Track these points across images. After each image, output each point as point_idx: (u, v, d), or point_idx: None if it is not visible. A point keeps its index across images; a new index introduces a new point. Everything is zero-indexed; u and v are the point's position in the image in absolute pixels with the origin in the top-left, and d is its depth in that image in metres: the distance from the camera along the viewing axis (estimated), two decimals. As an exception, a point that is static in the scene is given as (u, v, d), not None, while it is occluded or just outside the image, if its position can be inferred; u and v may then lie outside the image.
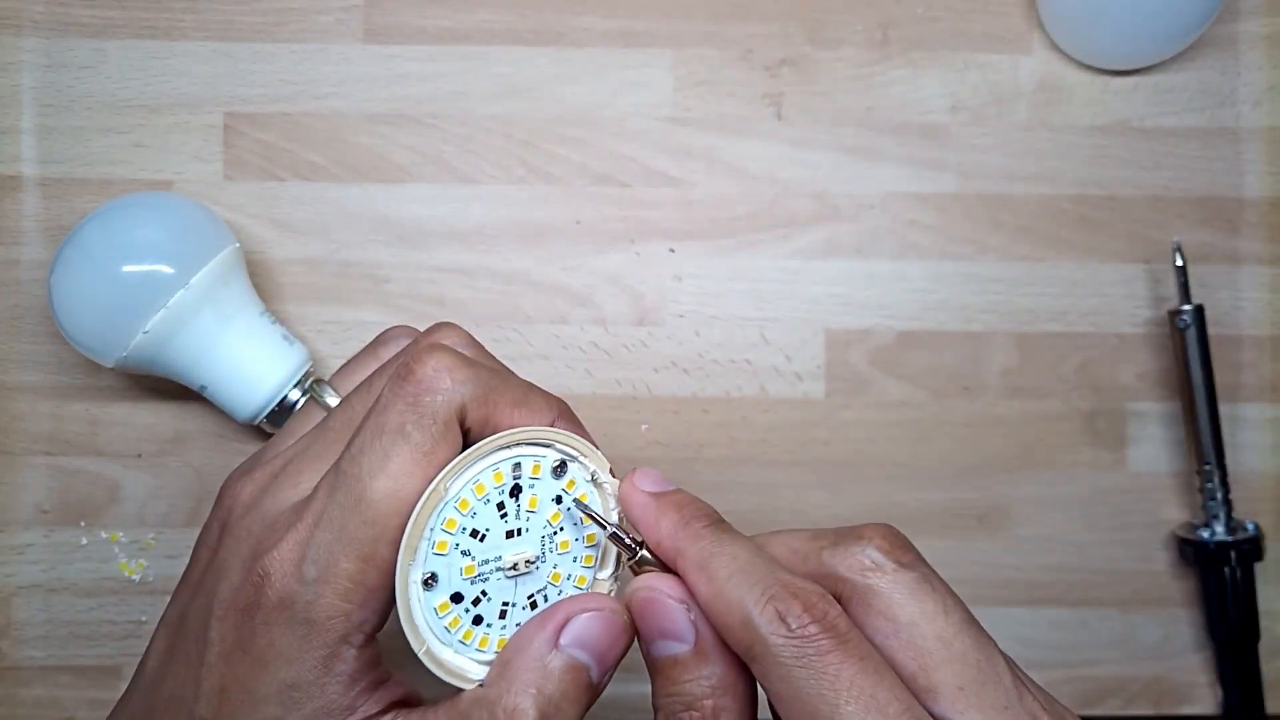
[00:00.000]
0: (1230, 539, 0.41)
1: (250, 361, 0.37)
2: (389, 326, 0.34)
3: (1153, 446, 0.43)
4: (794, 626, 0.21)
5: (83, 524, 0.41)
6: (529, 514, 0.25)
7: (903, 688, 0.21)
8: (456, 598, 0.24)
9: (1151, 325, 0.43)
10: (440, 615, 0.24)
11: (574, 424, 0.27)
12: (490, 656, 0.25)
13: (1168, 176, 0.43)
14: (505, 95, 0.43)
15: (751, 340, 0.43)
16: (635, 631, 0.24)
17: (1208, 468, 0.41)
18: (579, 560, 0.26)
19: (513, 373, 0.27)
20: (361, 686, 0.24)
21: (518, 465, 0.25)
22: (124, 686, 0.28)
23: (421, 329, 0.41)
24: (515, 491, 0.25)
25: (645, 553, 0.25)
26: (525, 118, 0.43)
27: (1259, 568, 0.42)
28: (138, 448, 0.41)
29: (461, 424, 0.24)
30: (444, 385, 0.24)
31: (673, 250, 0.43)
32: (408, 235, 0.42)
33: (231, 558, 0.24)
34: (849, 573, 0.23)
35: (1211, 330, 0.41)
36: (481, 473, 0.24)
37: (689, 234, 0.43)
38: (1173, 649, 0.43)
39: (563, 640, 0.24)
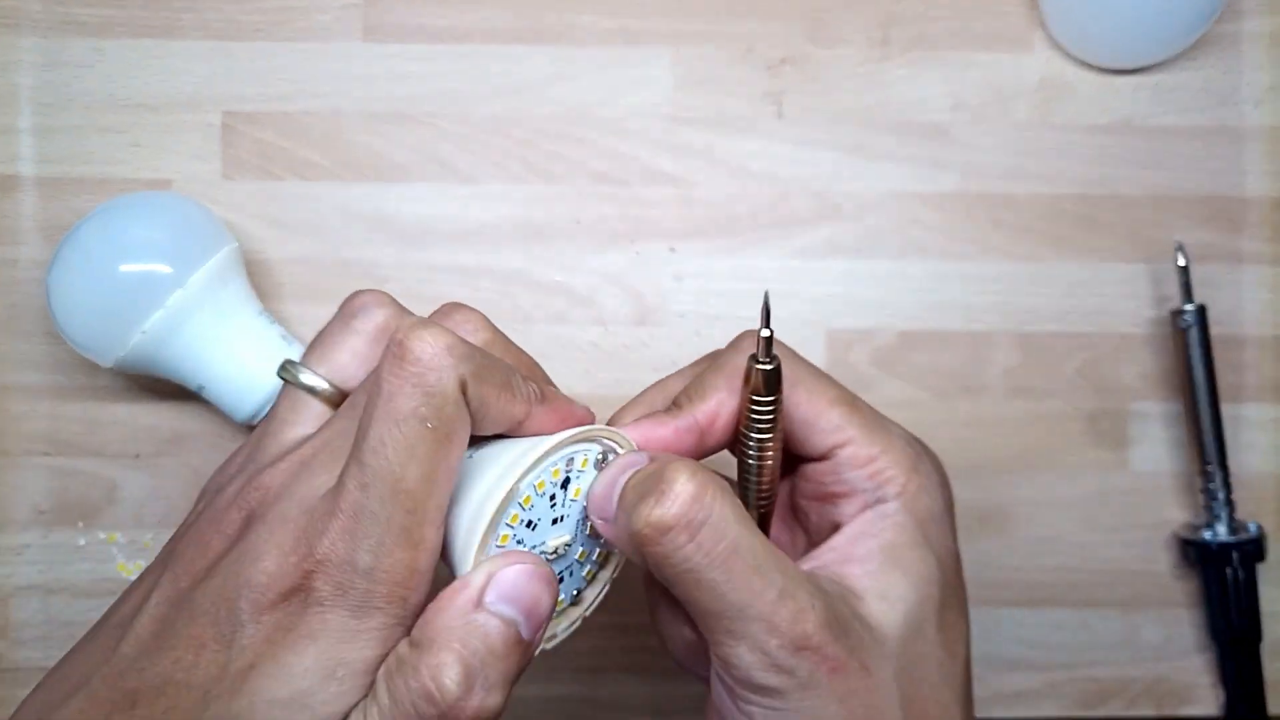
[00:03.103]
0: (1232, 540, 0.41)
1: (248, 361, 0.37)
2: (354, 292, 0.31)
3: (1155, 447, 0.43)
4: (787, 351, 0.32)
5: (81, 524, 0.41)
6: (572, 503, 0.27)
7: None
8: None
9: (1154, 325, 0.43)
10: None
11: (568, 407, 0.28)
12: None
13: (1170, 176, 0.43)
14: (505, 94, 0.42)
15: (752, 340, 0.42)
16: (557, 589, 0.26)
17: (1210, 468, 0.41)
18: (600, 539, 0.28)
19: (510, 348, 0.29)
20: None
21: (571, 460, 0.26)
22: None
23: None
24: (565, 484, 0.26)
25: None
26: (525, 117, 0.42)
27: (1261, 568, 0.41)
28: (136, 448, 0.41)
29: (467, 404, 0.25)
30: (445, 363, 0.24)
31: (673, 250, 0.43)
32: (407, 235, 0.42)
33: (265, 543, 0.24)
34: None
35: (1214, 330, 0.41)
36: (543, 471, 0.25)
37: (689, 234, 0.42)
38: (1175, 650, 0.43)
39: (487, 597, 0.24)
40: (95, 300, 0.36)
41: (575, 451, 0.26)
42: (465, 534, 0.25)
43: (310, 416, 0.29)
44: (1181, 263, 0.41)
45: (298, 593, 0.23)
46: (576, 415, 0.28)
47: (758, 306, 0.42)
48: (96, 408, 0.41)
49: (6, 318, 0.41)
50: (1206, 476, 0.41)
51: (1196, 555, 0.41)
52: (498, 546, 0.25)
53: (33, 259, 0.41)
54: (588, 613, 0.28)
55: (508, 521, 0.25)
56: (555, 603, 0.25)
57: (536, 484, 0.25)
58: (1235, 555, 0.41)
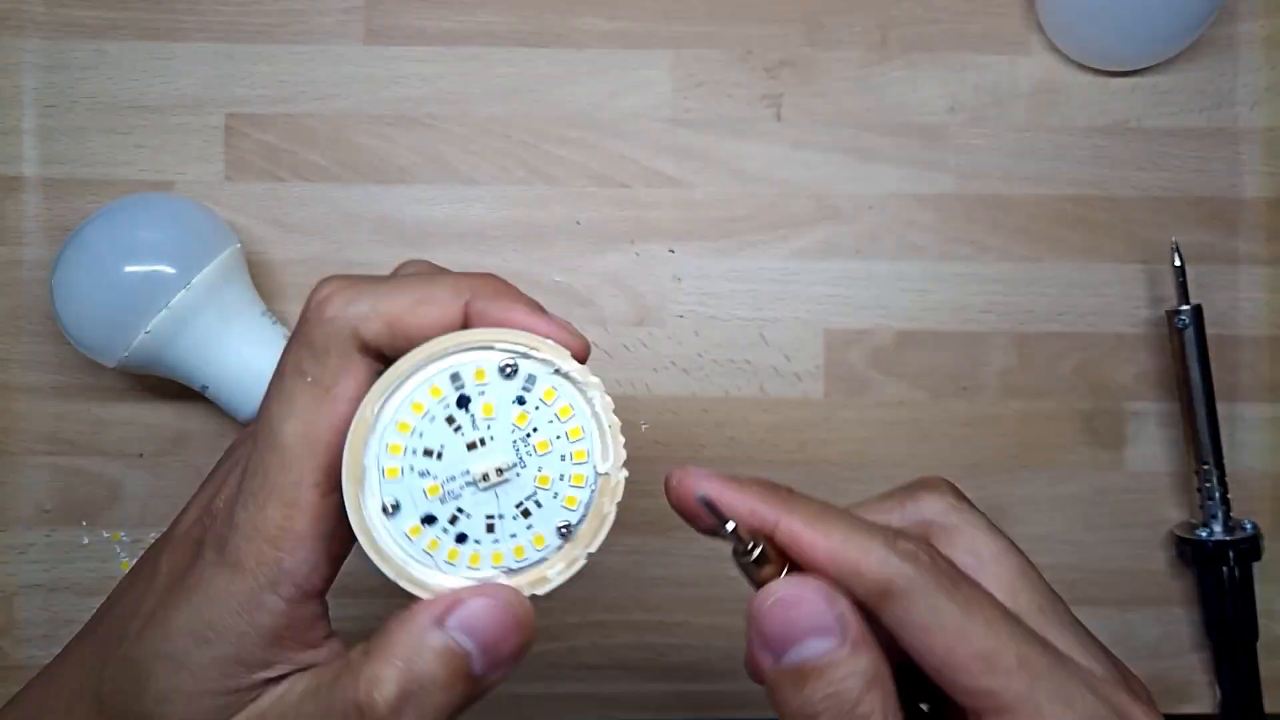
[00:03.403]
0: (1228, 538, 0.41)
1: (251, 361, 0.37)
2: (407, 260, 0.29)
3: (1151, 446, 0.43)
4: (926, 561, 0.22)
5: (84, 524, 0.41)
6: (488, 421, 0.24)
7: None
8: (429, 520, 0.23)
9: (1150, 325, 0.43)
10: (414, 539, 0.23)
11: (506, 301, 0.25)
12: (488, 572, 0.24)
13: (1166, 177, 0.43)
14: (505, 96, 0.43)
15: (751, 340, 0.43)
16: (531, 632, 0.23)
17: (1206, 467, 0.41)
18: (568, 458, 0.24)
19: (413, 276, 0.25)
20: (285, 644, 0.23)
21: (455, 375, 0.23)
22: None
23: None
24: (463, 402, 0.23)
25: (765, 547, 0.23)
26: (525, 118, 0.43)
27: (1257, 567, 0.42)
28: (139, 447, 0.42)
29: (370, 347, 0.23)
30: (327, 314, 0.23)
31: (673, 251, 0.43)
32: (408, 235, 0.42)
33: (198, 497, 0.26)
34: (933, 515, 0.25)
35: (1209, 330, 0.41)
36: (414, 391, 0.23)
37: (689, 234, 0.43)
38: (1171, 648, 0.43)
39: (449, 621, 0.22)
40: (99, 301, 0.36)
41: (457, 366, 0.23)
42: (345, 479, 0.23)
43: None
44: (1177, 263, 0.41)
45: (197, 546, 0.24)
46: (441, 304, 0.24)
47: (757, 306, 0.43)
48: (100, 407, 0.41)
49: (11, 318, 0.41)
50: (1202, 476, 0.41)
51: (1192, 554, 0.41)
52: (388, 481, 0.23)
53: (37, 260, 0.41)
54: (592, 550, 0.24)
55: (388, 452, 0.23)
56: (524, 645, 0.23)
57: (412, 406, 0.23)
58: (1231, 554, 0.41)
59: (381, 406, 0.23)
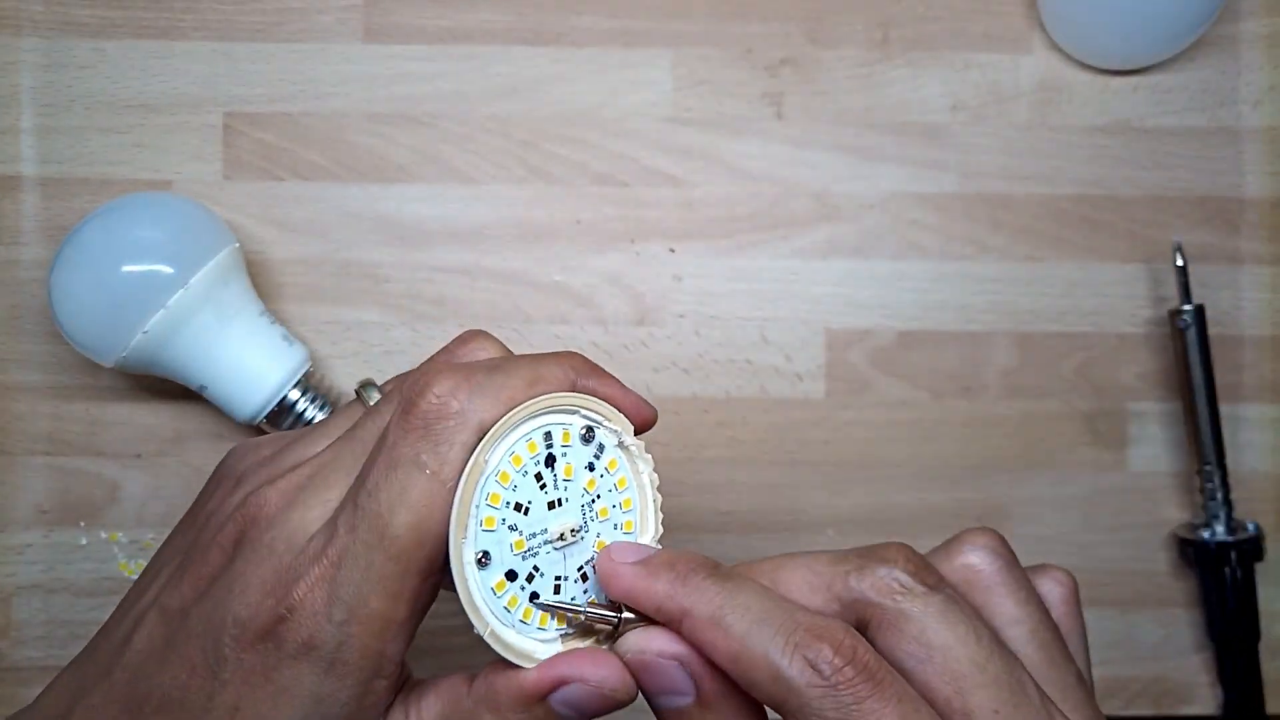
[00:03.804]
0: (1230, 539, 0.41)
1: (250, 362, 0.37)
2: (468, 330, 0.29)
3: (1153, 446, 0.43)
4: (827, 674, 0.20)
5: (82, 524, 0.41)
6: (566, 483, 0.25)
7: None
8: (511, 575, 0.24)
9: (1152, 325, 0.43)
10: (498, 595, 0.24)
11: (598, 376, 0.26)
12: (551, 635, 0.24)
13: (1168, 176, 0.43)
14: (505, 95, 0.43)
15: (751, 340, 0.43)
16: (635, 690, 0.24)
17: (1208, 468, 0.41)
18: (619, 527, 0.26)
19: (520, 358, 0.26)
20: (390, 702, 0.24)
21: (548, 434, 0.24)
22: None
23: (427, 329, 0.42)
24: (550, 461, 0.24)
25: (628, 615, 0.24)
26: (525, 118, 0.43)
27: (1259, 568, 0.42)
28: (137, 448, 0.41)
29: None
30: (453, 409, 0.23)
31: (673, 250, 0.43)
32: (408, 235, 0.42)
33: (251, 574, 0.24)
34: (878, 596, 0.23)
35: (1212, 330, 0.41)
36: (516, 444, 0.24)
37: (689, 234, 0.43)
38: (1173, 649, 0.43)
39: (554, 697, 0.23)
40: (97, 300, 0.36)
41: (551, 425, 0.24)
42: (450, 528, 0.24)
43: None
44: (1180, 263, 0.41)
45: (271, 635, 0.23)
46: (553, 381, 0.25)
47: (758, 306, 0.43)
48: (98, 408, 0.41)
49: (8, 318, 0.41)
50: (1204, 476, 0.41)
51: (1195, 555, 0.41)
52: (484, 531, 0.23)
53: (35, 259, 0.41)
54: (628, 615, 0.25)
55: (488, 502, 0.23)
56: (622, 704, 0.24)
57: (512, 459, 0.24)
58: (1233, 555, 0.41)
59: (490, 453, 0.23)
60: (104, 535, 0.41)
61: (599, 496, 0.25)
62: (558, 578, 0.25)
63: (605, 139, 0.43)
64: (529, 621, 0.24)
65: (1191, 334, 0.41)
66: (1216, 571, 0.41)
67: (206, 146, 0.42)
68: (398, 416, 0.23)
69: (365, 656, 0.23)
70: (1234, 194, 0.43)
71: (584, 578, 0.25)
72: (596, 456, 0.25)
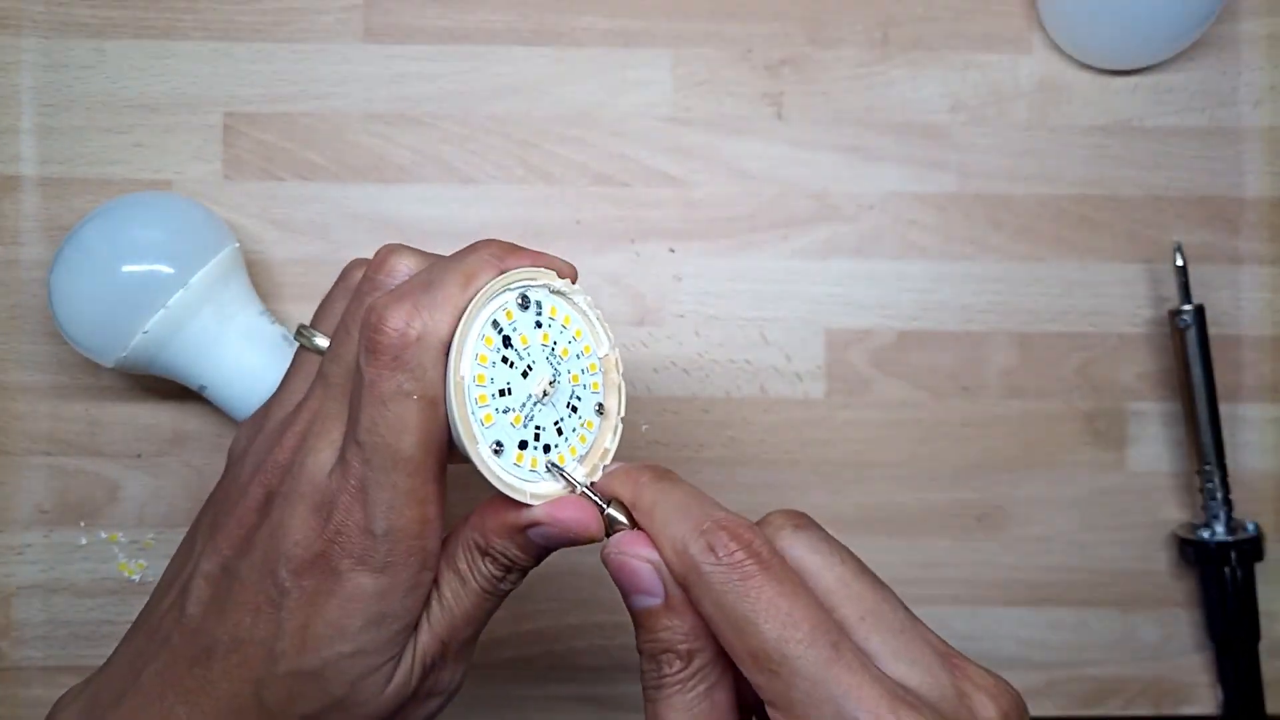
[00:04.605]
0: (1230, 539, 0.41)
1: (250, 361, 0.37)
2: (350, 260, 0.35)
3: (1153, 446, 0.43)
4: (721, 554, 0.24)
5: (82, 524, 0.41)
6: (526, 350, 0.28)
7: (817, 606, 0.24)
8: (523, 445, 0.27)
9: (1152, 325, 0.43)
10: (520, 466, 0.27)
11: (515, 253, 0.28)
12: (574, 463, 0.28)
13: (1168, 176, 0.43)
14: (505, 95, 0.43)
15: (751, 340, 0.43)
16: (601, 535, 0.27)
17: (1208, 468, 0.41)
18: (581, 355, 0.29)
19: (446, 263, 0.28)
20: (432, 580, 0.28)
21: (495, 323, 0.27)
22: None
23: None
24: (507, 341, 0.27)
25: (611, 511, 0.27)
26: (525, 118, 0.43)
27: (1259, 568, 0.42)
28: (137, 448, 0.41)
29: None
30: (413, 336, 0.25)
31: (673, 250, 0.43)
32: (408, 235, 0.42)
33: (288, 518, 0.27)
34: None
35: (1212, 330, 0.41)
36: (477, 346, 0.27)
37: (689, 234, 0.43)
38: (1173, 649, 0.43)
39: (534, 531, 0.27)
40: (97, 300, 0.36)
41: (495, 313, 0.27)
42: (459, 434, 0.26)
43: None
44: (1179, 263, 0.41)
45: (323, 558, 0.26)
46: (481, 273, 0.27)
47: (758, 306, 0.43)
48: (98, 408, 0.41)
49: (8, 318, 0.41)
50: (1204, 476, 0.41)
51: (1194, 555, 0.41)
52: (486, 428, 0.27)
53: (34, 259, 0.41)
54: (622, 415, 0.29)
55: (479, 404, 0.26)
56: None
57: (479, 358, 0.26)
58: (1233, 554, 0.41)
59: (462, 364, 0.26)
60: (104, 535, 0.41)
61: (555, 343, 0.28)
62: (556, 422, 0.28)
63: (605, 139, 0.43)
64: (520, 465, 0.28)
65: (1191, 334, 0.41)
66: (1216, 571, 0.41)
67: (206, 146, 0.42)
68: (367, 357, 0.26)
69: (411, 553, 0.26)
70: (1234, 194, 0.43)
71: (573, 410, 0.29)
72: (539, 313, 0.28)
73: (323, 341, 0.32)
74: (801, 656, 0.23)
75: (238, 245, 0.39)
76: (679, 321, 0.43)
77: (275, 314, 0.40)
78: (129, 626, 0.31)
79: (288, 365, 0.38)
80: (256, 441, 0.31)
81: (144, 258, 0.36)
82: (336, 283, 0.34)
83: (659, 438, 0.42)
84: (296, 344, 0.37)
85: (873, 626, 0.24)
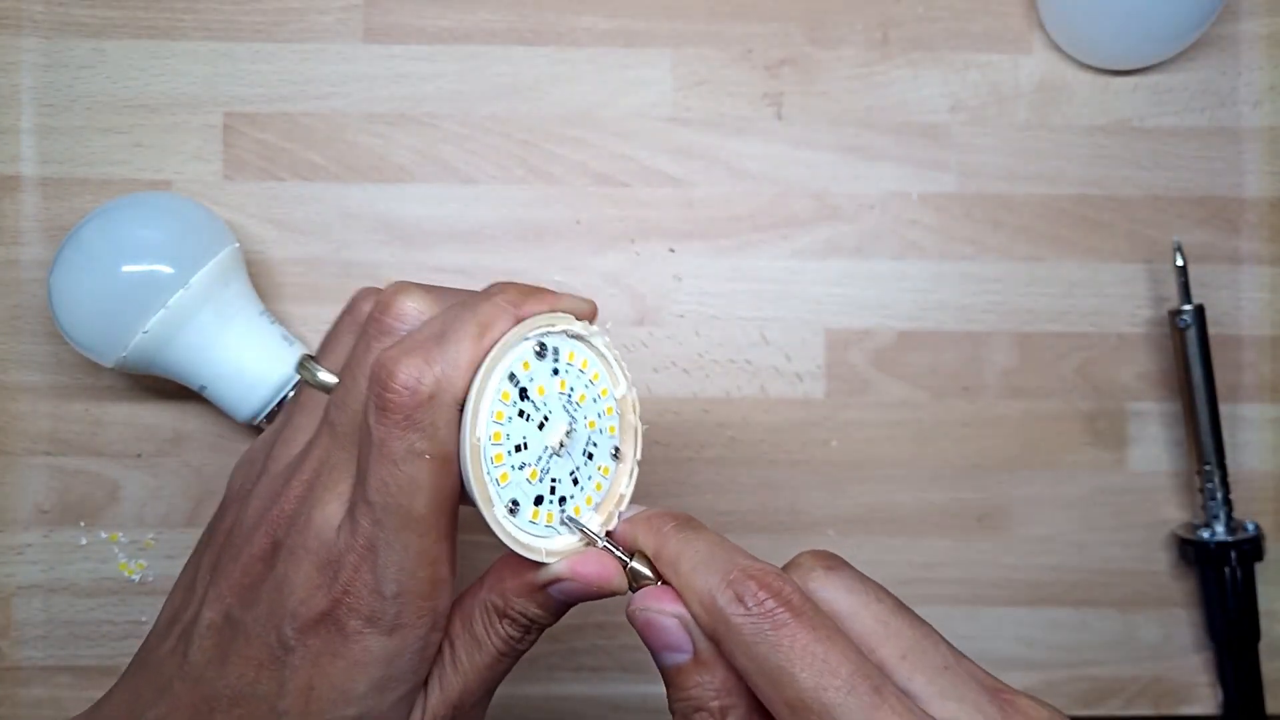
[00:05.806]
0: (1230, 539, 0.41)
1: (250, 362, 0.37)
2: (358, 290, 0.32)
3: (1153, 446, 0.43)
4: (750, 604, 0.23)
5: (82, 524, 0.41)
6: (543, 400, 0.27)
7: (855, 650, 0.23)
8: (538, 500, 0.26)
9: (1152, 325, 0.43)
10: (535, 523, 0.26)
11: (533, 297, 0.27)
12: (589, 512, 0.28)
13: (1168, 176, 0.43)
14: (505, 95, 0.43)
15: (751, 340, 0.43)
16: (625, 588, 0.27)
17: (1208, 468, 0.41)
18: (598, 399, 0.28)
19: (459, 312, 0.26)
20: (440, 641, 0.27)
21: (512, 375, 0.26)
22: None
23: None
24: (524, 394, 0.26)
25: (635, 565, 0.26)
26: (525, 118, 0.43)
27: (1259, 568, 0.42)
28: (137, 448, 0.41)
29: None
30: (425, 393, 0.24)
31: (673, 250, 0.43)
32: (408, 235, 0.42)
33: (295, 573, 0.26)
34: (798, 577, 0.25)
35: (1212, 330, 0.41)
36: (493, 404, 0.25)
37: (689, 234, 0.43)
38: (1173, 649, 0.43)
39: (554, 588, 0.27)
40: (97, 300, 0.36)
41: (511, 366, 0.26)
42: (474, 497, 0.26)
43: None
44: (1179, 263, 0.41)
45: (330, 617, 0.25)
46: (497, 324, 0.26)
47: (758, 306, 0.43)
48: (98, 408, 0.41)
49: (9, 318, 0.41)
50: (1204, 476, 0.41)
51: (1194, 555, 0.41)
52: (502, 487, 0.26)
53: (35, 259, 0.41)
54: (639, 458, 0.29)
55: (494, 463, 0.25)
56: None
57: (495, 416, 0.25)
58: (1233, 555, 0.41)
59: (478, 426, 0.25)
60: (104, 535, 0.41)
61: (572, 389, 0.27)
62: (572, 473, 0.27)
63: (605, 139, 0.43)
64: (536, 521, 0.27)
65: (1191, 334, 0.41)
66: (1216, 571, 0.41)
67: (206, 146, 0.42)
68: (376, 414, 0.25)
69: (422, 615, 0.26)
70: (1234, 194, 0.43)
71: (589, 457, 0.28)
72: (556, 359, 0.27)
73: (327, 378, 0.29)
74: (842, 704, 0.22)
75: (238, 245, 0.39)
76: (679, 321, 0.43)
77: (275, 314, 0.40)
78: (128, 664, 0.30)
79: (288, 365, 0.38)
80: (260, 484, 0.29)
81: (144, 258, 0.36)
82: (343, 314, 0.32)
83: (659, 438, 0.42)
84: (298, 355, 0.35)
85: (915, 665, 0.23)
